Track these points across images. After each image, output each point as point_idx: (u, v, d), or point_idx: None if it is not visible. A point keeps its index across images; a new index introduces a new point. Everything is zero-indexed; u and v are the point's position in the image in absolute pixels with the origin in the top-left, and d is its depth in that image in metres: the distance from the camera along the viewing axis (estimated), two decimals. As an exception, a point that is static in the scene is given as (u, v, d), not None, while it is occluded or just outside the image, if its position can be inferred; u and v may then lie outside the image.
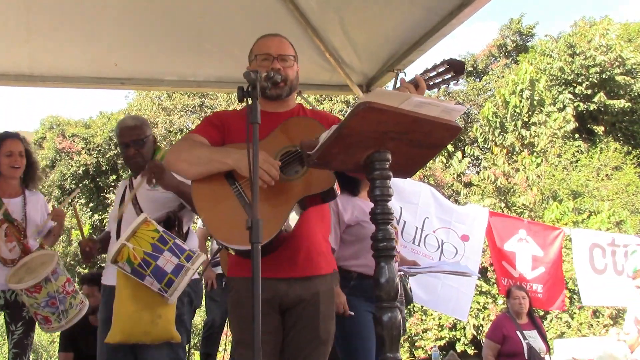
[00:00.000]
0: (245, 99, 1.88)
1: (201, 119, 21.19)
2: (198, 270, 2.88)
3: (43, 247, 3.93)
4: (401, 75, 4.68)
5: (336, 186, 2.22)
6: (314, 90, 6.01)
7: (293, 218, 2.18)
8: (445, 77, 2.10)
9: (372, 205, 3.45)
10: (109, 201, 20.85)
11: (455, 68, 1.98)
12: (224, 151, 2.23)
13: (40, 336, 16.04)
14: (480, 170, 16.52)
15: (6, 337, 3.88)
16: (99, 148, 21.74)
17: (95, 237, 3.63)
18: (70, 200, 5.61)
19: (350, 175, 2.58)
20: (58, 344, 5.27)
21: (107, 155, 21.84)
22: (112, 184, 21.52)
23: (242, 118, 2.38)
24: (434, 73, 2.08)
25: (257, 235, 1.70)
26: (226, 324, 4.53)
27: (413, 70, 4.82)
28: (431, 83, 2.11)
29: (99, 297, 5.07)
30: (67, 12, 4.03)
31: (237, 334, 2.32)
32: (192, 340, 3.86)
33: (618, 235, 7.58)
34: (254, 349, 1.67)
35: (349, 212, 3.38)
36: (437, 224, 5.81)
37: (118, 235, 3.25)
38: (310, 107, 3.44)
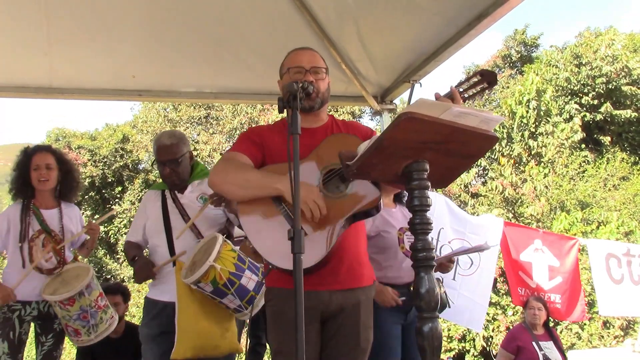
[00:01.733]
0: (285, 110, 1.89)
1: (206, 130, 21.30)
2: None
3: (76, 259, 3.96)
4: (417, 86, 4.71)
5: (381, 201, 2.24)
6: (329, 101, 6.03)
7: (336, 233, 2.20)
8: (479, 88, 2.10)
9: (393, 211, 3.51)
10: (115, 212, 20.87)
11: (488, 78, 1.98)
12: (274, 177, 2.23)
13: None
14: (487, 180, 16.49)
15: (35, 348, 3.90)
16: (105, 160, 21.80)
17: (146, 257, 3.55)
18: (105, 219, 5.66)
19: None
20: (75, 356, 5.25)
21: (113, 167, 21.90)
22: (118, 195, 21.56)
23: (278, 132, 2.41)
24: (468, 85, 2.08)
25: (299, 246, 1.70)
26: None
27: (429, 81, 4.95)
28: (466, 95, 2.12)
29: (125, 307, 5.10)
30: (86, 25, 4.06)
31: (277, 344, 2.31)
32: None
33: (632, 245, 7.54)
34: (297, 358, 1.66)
35: (369, 222, 3.38)
36: (451, 235, 5.80)
37: (172, 252, 3.25)
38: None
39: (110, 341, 4.97)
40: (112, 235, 21.01)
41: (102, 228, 21.10)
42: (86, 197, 21.11)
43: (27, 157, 3.89)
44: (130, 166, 22.44)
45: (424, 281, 1.84)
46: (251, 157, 2.37)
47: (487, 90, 2.05)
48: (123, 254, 20.55)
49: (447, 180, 2.07)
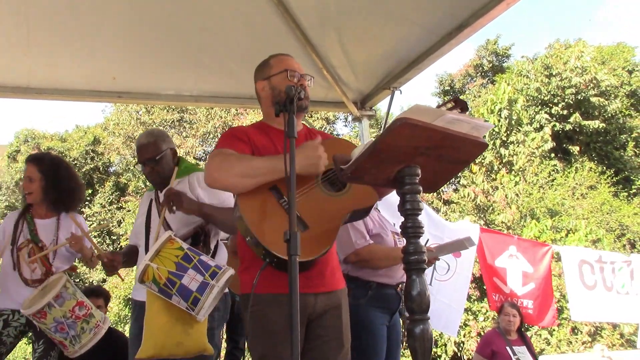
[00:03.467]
0: (282, 113, 1.92)
1: (180, 133, 21.15)
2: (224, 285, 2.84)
3: (73, 270, 3.90)
4: (397, 93, 4.76)
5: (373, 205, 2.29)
6: (309, 106, 6.06)
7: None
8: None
9: (379, 216, 3.55)
10: (85, 215, 20.57)
11: (460, 105, 2.02)
12: (276, 158, 2.23)
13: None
14: (458, 188, 16.70)
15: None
16: (75, 162, 21.51)
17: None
18: (101, 230, 5.51)
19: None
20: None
21: (83, 170, 21.63)
22: (88, 198, 21.26)
23: (261, 132, 2.44)
24: (444, 109, 2.12)
25: (295, 248, 1.72)
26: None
27: (409, 88, 4.96)
28: None
29: (105, 310, 5.03)
30: (66, 25, 4.01)
31: (261, 349, 2.30)
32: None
33: (604, 252, 7.73)
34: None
35: (369, 221, 3.43)
36: (431, 240, 5.87)
37: (147, 250, 3.23)
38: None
39: (95, 347, 4.91)
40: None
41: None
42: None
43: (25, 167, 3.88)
44: (100, 169, 22.18)
45: (415, 284, 1.88)
46: (242, 152, 2.37)
47: None
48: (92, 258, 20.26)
49: (438, 185, 2.10)
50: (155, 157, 3.34)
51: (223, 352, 5.24)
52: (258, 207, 2.23)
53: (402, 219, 1.95)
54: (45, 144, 21.71)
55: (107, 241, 20.23)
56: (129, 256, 3.47)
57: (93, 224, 20.04)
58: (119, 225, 19.57)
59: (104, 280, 18.88)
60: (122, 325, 15.85)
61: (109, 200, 20.89)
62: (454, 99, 2.03)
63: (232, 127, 3.09)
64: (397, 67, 4.58)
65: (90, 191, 21.44)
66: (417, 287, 1.87)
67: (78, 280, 19.77)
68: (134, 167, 20.28)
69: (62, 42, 4.15)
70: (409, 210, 1.92)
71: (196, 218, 3.18)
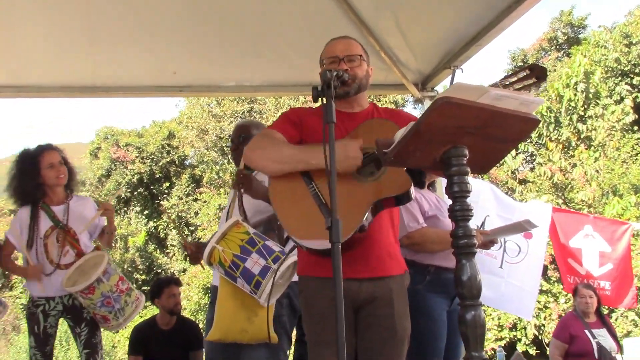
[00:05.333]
0: (320, 99, 1.89)
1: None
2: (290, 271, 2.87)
3: (99, 249, 4.00)
4: (458, 71, 4.63)
5: (412, 189, 2.22)
6: (368, 90, 6.00)
7: (367, 219, 2.18)
8: (527, 83, 2.02)
9: (437, 198, 3.47)
10: (163, 208, 21.27)
11: (537, 73, 1.89)
12: (310, 150, 2.25)
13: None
14: (535, 166, 16.16)
15: (72, 342, 4.03)
16: (152, 156, 22.22)
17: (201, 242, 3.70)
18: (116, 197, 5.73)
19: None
20: (127, 347, 5.41)
21: (160, 163, 22.30)
22: (166, 191, 21.95)
23: (319, 116, 2.40)
24: (515, 79, 2.00)
25: (337, 235, 1.70)
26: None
27: (470, 66, 4.80)
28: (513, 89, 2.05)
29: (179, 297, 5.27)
30: (126, 24, 4.14)
31: (313, 335, 2.32)
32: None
33: (691, 228, 7.29)
34: (338, 349, 1.65)
35: (425, 202, 3.36)
36: (498, 222, 5.69)
37: None
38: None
39: (163, 332, 5.11)
40: (161, 230, 21.44)
41: (151, 224, 21.57)
42: (135, 193, 21.56)
43: (34, 159, 3.92)
44: (176, 162, 22.81)
45: (465, 268, 1.81)
46: (287, 135, 2.38)
47: (535, 86, 1.95)
48: (172, 248, 21.00)
49: (488, 166, 2.02)
50: (240, 136, 3.49)
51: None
52: (286, 191, 2.24)
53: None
54: (124, 140, 22.51)
55: (186, 232, 20.85)
56: None
57: (172, 215, 20.69)
58: (196, 216, 20.09)
59: (184, 270, 19.50)
60: (202, 313, 16.30)
61: (186, 192, 21.48)
62: (530, 66, 1.92)
63: (292, 107, 3.10)
64: (456, 45, 4.44)
65: (167, 184, 22.14)
66: (468, 271, 1.80)
67: (160, 270, 20.50)
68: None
69: (123, 40, 4.28)
70: (457, 192, 1.84)
71: (270, 207, 3.23)
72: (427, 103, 5.06)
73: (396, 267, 2.42)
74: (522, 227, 3.57)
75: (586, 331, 5.66)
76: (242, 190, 3.06)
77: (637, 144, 17.97)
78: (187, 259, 3.70)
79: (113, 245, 4.19)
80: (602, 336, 5.66)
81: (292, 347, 3.91)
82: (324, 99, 1.91)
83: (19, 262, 4.48)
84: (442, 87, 5.84)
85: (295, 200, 2.24)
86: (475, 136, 1.83)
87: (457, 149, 1.84)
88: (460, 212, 1.85)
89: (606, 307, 11.66)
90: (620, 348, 5.96)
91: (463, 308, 1.80)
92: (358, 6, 4.20)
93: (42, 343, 3.80)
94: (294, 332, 4.92)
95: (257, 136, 2.46)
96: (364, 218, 2.15)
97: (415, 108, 21.92)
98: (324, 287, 2.18)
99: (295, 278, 2.90)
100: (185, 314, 15.49)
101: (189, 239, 20.06)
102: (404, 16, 4.25)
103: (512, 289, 5.71)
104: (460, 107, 1.72)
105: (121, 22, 4.12)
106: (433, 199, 3.42)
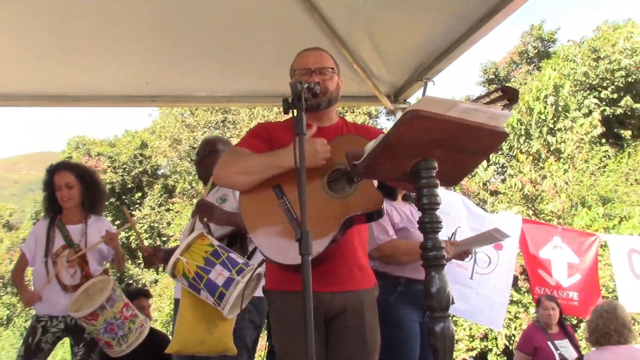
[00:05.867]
0: (290, 111, 1.88)
1: (224, 134, 21.40)
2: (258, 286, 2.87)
3: (107, 273, 3.98)
4: (430, 84, 4.67)
5: (384, 206, 2.23)
6: (341, 102, 6.00)
7: (338, 235, 2.19)
8: (499, 105, 2.02)
9: (411, 209, 3.48)
10: (136, 218, 21.03)
11: (509, 95, 1.90)
12: (279, 154, 2.24)
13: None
14: (506, 178, 16.35)
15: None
16: (125, 166, 22.02)
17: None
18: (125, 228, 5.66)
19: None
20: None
21: (133, 173, 22.10)
22: (138, 201, 21.73)
23: (288, 129, 2.40)
24: (488, 100, 2.01)
25: (307, 247, 1.69)
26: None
27: (442, 79, 4.84)
28: None
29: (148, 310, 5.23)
30: (99, 33, 4.09)
31: (281, 346, 2.31)
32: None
33: (656, 240, 7.42)
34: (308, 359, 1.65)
35: (395, 215, 3.37)
36: (469, 233, 5.74)
37: None
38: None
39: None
40: (132, 241, 21.19)
41: (122, 234, 21.32)
42: (106, 203, 21.28)
43: (50, 176, 3.99)
44: (149, 172, 22.62)
45: (434, 280, 1.82)
46: (255, 150, 2.37)
47: (507, 108, 1.94)
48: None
49: (457, 178, 2.04)
50: (206, 150, 3.51)
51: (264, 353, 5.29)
52: (256, 206, 2.23)
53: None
54: (96, 150, 22.27)
55: (158, 242, 20.64)
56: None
57: (144, 226, 20.47)
58: (168, 227, 19.92)
59: (156, 281, 19.28)
60: (173, 325, 16.13)
61: (158, 203, 21.29)
62: (502, 88, 1.92)
63: (260, 123, 3.10)
64: (428, 58, 4.48)
65: (139, 194, 21.93)
66: (437, 283, 1.81)
67: (131, 281, 20.25)
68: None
69: (96, 49, 4.24)
70: (426, 205, 1.86)
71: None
72: (400, 115, 5.08)
73: (366, 280, 2.43)
74: (493, 237, 3.58)
75: (549, 343, 5.75)
76: (205, 220, 3.08)
77: (604, 157, 18.35)
78: (143, 262, 3.69)
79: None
80: (564, 347, 5.75)
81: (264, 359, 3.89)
82: (295, 111, 1.90)
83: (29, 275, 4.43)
84: (414, 99, 5.89)
85: (266, 215, 2.22)
86: (444, 149, 1.85)
87: (426, 161, 1.85)
88: (429, 224, 1.86)
89: (574, 318, 11.83)
90: (581, 358, 6.05)
91: (432, 320, 1.81)
92: (331, 18, 4.21)
93: (30, 355, 3.76)
94: (266, 343, 4.90)
95: (225, 155, 2.46)
96: (335, 234, 2.15)
97: (388, 119, 22.08)
98: (295, 299, 2.17)
99: (258, 293, 2.90)
100: (157, 325, 15.31)
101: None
102: (377, 28, 4.27)
103: (482, 300, 5.76)
104: (430, 120, 1.74)
105: (94, 32, 4.07)
106: (406, 211, 3.43)
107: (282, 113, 1.97)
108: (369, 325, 2.33)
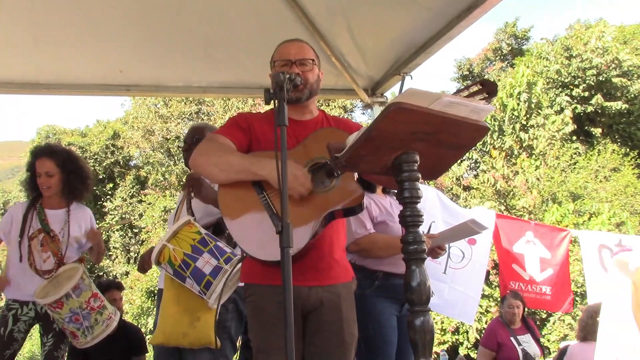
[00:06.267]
0: (272, 101, 1.86)
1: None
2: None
3: (82, 261, 3.92)
4: (407, 78, 4.68)
5: (364, 201, 2.21)
6: (319, 94, 6.00)
7: (318, 230, 2.17)
8: (478, 98, 2.03)
9: (391, 202, 3.47)
10: (106, 209, 20.78)
11: (488, 88, 1.90)
12: (257, 161, 2.19)
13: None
14: (478, 173, 16.53)
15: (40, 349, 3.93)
16: (96, 156, 21.74)
17: None
18: (118, 227, 5.60)
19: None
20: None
21: (104, 164, 21.83)
22: (110, 192, 21.47)
23: (268, 121, 2.37)
24: (467, 93, 2.01)
25: (287, 240, 1.67)
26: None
27: (419, 73, 4.85)
28: None
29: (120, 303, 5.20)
30: (73, 20, 3.99)
31: (258, 341, 2.28)
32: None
33: (624, 236, 7.56)
34: (287, 355, 1.63)
35: (374, 208, 3.35)
36: (443, 228, 5.76)
37: None
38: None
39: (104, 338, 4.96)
40: (103, 232, 20.92)
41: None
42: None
43: (33, 161, 3.93)
44: (121, 162, 22.36)
45: (415, 274, 1.81)
46: (235, 140, 2.32)
47: (486, 102, 1.95)
48: (115, 250, 20.53)
49: (438, 172, 2.04)
50: (194, 137, 3.46)
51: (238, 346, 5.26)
52: (236, 200, 2.19)
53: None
54: (66, 139, 21.92)
55: (130, 234, 20.41)
56: None
57: (115, 217, 20.24)
58: (140, 218, 19.72)
59: (127, 273, 19.08)
60: (144, 317, 15.99)
61: (130, 194, 21.06)
62: (481, 81, 1.91)
63: (240, 112, 3.05)
64: (406, 52, 4.48)
65: (111, 185, 21.67)
66: (417, 277, 1.81)
67: (102, 273, 20.01)
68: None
69: (69, 36, 4.13)
70: (407, 198, 1.85)
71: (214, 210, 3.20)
72: (377, 108, 5.09)
73: (344, 274, 2.41)
74: (470, 229, 3.58)
75: (512, 338, 5.85)
76: (192, 194, 3.01)
77: (575, 154, 18.66)
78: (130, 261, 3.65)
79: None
80: (526, 342, 5.86)
81: (238, 352, 3.87)
82: (277, 101, 1.87)
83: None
84: (391, 93, 5.90)
85: (245, 209, 2.18)
86: (426, 142, 1.84)
87: (408, 154, 1.84)
88: (410, 217, 1.85)
89: (544, 312, 12.00)
90: (543, 352, 6.18)
91: (412, 314, 1.81)
92: (310, 10, 4.19)
93: (3, 346, 3.67)
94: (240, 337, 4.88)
95: (204, 141, 2.37)
96: (316, 229, 2.13)
97: (364, 113, 22.11)
98: (273, 293, 2.15)
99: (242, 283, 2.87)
100: (128, 318, 15.16)
101: (132, 241, 19.70)
102: (356, 22, 4.25)
103: (455, 295, 5.79)
104: (412, 113, 1.72)
105: (67, 18, 3.97)
106: (386, 204, 3.41)
107: (260, 105, 1.94)
108: (346, 320, 2.31)
